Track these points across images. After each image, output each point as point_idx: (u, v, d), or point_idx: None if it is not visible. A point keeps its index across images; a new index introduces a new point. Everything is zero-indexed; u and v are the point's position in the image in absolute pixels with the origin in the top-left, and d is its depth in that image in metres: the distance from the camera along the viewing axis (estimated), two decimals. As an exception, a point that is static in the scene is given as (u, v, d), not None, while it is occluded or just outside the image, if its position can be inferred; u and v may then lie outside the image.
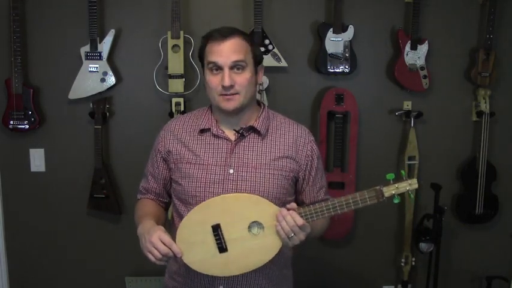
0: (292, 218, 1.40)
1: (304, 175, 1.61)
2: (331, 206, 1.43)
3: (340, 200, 1.43)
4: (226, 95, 1.48)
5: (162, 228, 1.44)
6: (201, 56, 1.55)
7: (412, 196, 1.45)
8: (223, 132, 1.56)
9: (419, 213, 2.83)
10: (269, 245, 1.45)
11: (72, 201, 2.75)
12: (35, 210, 2.76)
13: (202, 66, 1.57)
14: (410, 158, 2.78)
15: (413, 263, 2.87)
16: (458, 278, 3.00)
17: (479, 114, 2.77)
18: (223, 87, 1.46)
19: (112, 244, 2.81)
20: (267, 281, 1.60)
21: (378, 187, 1.42)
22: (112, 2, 2.63)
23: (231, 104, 1.49)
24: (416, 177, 2.77)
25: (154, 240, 1.40)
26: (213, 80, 1.49)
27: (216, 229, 1.44)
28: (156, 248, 1.39)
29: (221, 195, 1.48)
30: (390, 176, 1.43)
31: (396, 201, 1.44)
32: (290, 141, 1.59)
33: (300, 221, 1.40)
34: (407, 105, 2.79)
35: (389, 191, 1.42)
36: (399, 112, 2.78)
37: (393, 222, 2.91)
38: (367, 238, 2.91)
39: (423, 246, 2.66)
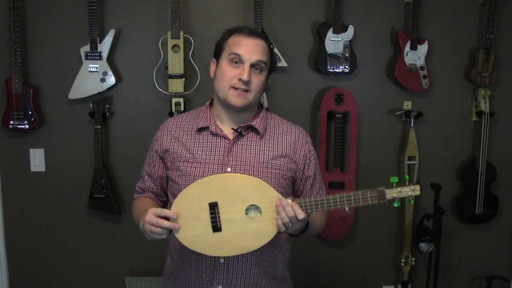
0: (293, 209, 1.39)
1: (302, 175, 1.61)
2: (331, 200, 1.42)
3: (342, 195, 1.42)
4: (238, 89, 1.48)
5: (152, 207, 1.45)
6: (220, 45, 1.55)
7: (412, 202, 1.45)
8: (222, 130, 1.56)
9: (419, 213, 2.83)
10: (264, 231, 1.43)
11: (72, 201, 2.75)
12: (35, 210, 2.76)
13: (216, 56, 1.56)
14: (410, 158, 2.78)
15: (413, 263, 2.87)
16: (458, 278, 3.00)
17: (479, 114, 2.77)
18: (242, 80, 1.47)
19: (112, 244, 2.81)
20: (265, 281, 1.60)
21: (380, 188, 1.42)
22: (112, 2, 2.63)
23: (240, 100, 1.49)
24: (416, 177, 2.79)
25: (149, 218, 1.40)
26: (230, 71, 1.50)
27: (213, 207, 1.42)
28: (153, 225, 1.40)
29: (222, 174, 1.48)
30: (394, 179, 1.43)
31: (396, 205, 1.44)
32: (288, 141, 1.59)
33: (301, 214, 1.39)
34: (407, 105, 2.79)
35: (391, 193, 1.42)
36: (399, 112, 2.78)
37: (393, 222, 2.91)
38: (367, 238, 2.91)
39: (423, 246, 2.66)
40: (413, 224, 2.83)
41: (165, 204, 1.72)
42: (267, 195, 1.43)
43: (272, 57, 1.58)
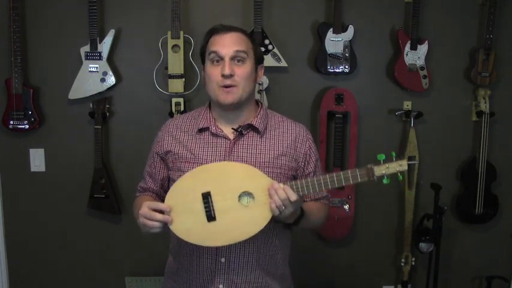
0: (285, 192, 1.39)
1: (303, 172, 1.61)
2: (322, 180, 1.42)
3: (332, 175, 1.42)
4: (225, 87, 1.48)
5: (147, 201, 1.46)
6: (203, 51, 1.56)
7: (401, 177, 1.46)
8: (222, 131, 1.56)
9: (419, 213, 2.83)
10: (258, 217, 1.43)
11: (72, 201, 2.75)
12: (35, 210, 2.76)
13: (203, 62, 1.57)
14: (410, 158, 2.78)
15: (413, 263, 2.87)
16: (458, 278, 3.00)
17: (479, 114, 2.77)
18: (223, 76, 1.47)
19: (112, 244, 2.81)
20: (266, 279, 1.60)
21: (369, 166, 1.43)
22: (112, 2, 2.63)
23: (229, 97, 1.49)
24: (416, 177, 2.79)
25: (143, 211, 1.41)
26: (213, 71, 1.50)
27: (206, 197, 1.42)
28: (147, 218, 1.40)
29: (214, 163, 1.48)
30: (381, 156, 1.44)
31: (386, 181, 1.44)
32: (289, 139, 1.59)
33: (293, 195, 1.38)
34: (407, 105, 2.79)
35: (379, 170, 1.43)
36: (399, 112, 2.78)
37: (393, 222, 2.91)
38: (367, 238, 2.91)
39: (423, 246, 2.66)
40: (413, 224, 2.83)
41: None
42: (258, 181, 1.43)
43: (256, 46, 1.56)
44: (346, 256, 2.92)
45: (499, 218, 2.92)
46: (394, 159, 1.44)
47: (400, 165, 1.43)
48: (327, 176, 1.42)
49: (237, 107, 1.53)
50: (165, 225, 1.42)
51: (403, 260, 2.86)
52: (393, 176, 1.44)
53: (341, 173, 1.42)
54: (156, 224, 1.40)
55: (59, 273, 2.82)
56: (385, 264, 2.96)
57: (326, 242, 2.89)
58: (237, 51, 1.49)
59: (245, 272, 1.56)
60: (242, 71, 1.49)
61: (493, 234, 2.96)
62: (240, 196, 1.43)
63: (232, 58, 1.48)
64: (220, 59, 1.49)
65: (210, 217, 1.42)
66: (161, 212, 1.41)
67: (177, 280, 1.65)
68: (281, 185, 1.40)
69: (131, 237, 2.75)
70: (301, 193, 1.42)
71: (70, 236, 2.79)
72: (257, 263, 1.57)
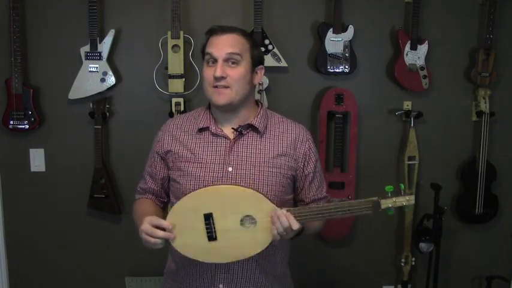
0: (288, 219, 1.40)
1: (303, 173, 1.61)
2: (326, 211, 1.43)
3: (336, 206, 1.43)
4: (217, 87, 1.48)
5: (149, 216, 1.46)
6: (203, 51, 1.56)
7: (407, 210, 1.46)
8: (222, 130, 1.56)
9: (419, 213, 2.82)
10: (259, 240, 1.45)
11: (72, 201, 2.75)
12: (35, 210, 2.76)
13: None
14: (410, 158, 2.78)
15: (413, 263, 2.87)
16: (458, 278, 3.00)
17: (479, 114, 2.77)
18: (215, 77, 1.47)
19: (112, 244, 2.81)
20: (266, 279, 1.60)
21: (375, 198, 1.42)
22: (112, 2, 2.63)
23: (221, 98, 1.49)
24: (416, 177, 2.79)
25: (145, 228, 1.42)
26: (208, 72, 1.51)
27: (208, 218, 1.44)
28: (149, 235, 1.41)
29: (217, 185, 1.48)
30: (389, 188, 1.44)
31: (390, 213, 1.45)
32: (288, 139, 1.59)
33: (296, 225, 1.41)
34: (407, 105, 2.79)
35: (386, 204, 1.43)
36: (399, 112, 2.78)
37: (393, 222, 2.91)
38: (367, 238, 2.91)
39: (423, 246, 2.66)
40: (413, 224, 2.82)
41: (166, 205, 1.72)
42: (261, 205, 1.44)
43: (254, 48, 1.55)
44: (346, 256, 2.92)
45: (499, 218, 2.92)
46: (402, 192, 1.44)
47: (407, 200, 1.43)
48: (332, 205, 1.43)
49: (232, 108, 1.53)
50: (167, 241, 1.44)
51: (403, 260, 2.86)
52: (399, 208, 1.45)
53: (346, 203, 1.43)
54: (158, 241, 1.42)
55: (59, 273, 2.82)
56: (385, 264, 2.96)
57: (326, 242, 2.89)
58: (230, 53, 1.48)
59: (245, 272, 1.56)
60: (235, 73, 1.49)
61: (493, 234, 2.95)
62: (242, 219, 1.44)
63: (226, 60, 1.48)
64: (215, 60, 1.49)
65: (212, 237, 1.44)
66: (163, 228, 1.42)
67: (176, 280, 1.65)
68: (284, 211, 1.41)
69: (131, 237, 2.73)
70: (303, 221, 1.43)
71: (70, 236, 2.79)
72: (257, 263, 1.57)
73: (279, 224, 1.40)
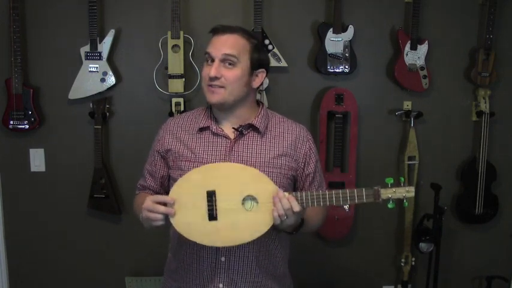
0: (289, 202, 1.40)
1: (303, 173, 1.61)
2: (327, 196, 1.43)
3: (338, 192, 1.43)
4: (212, 86, 1.50)
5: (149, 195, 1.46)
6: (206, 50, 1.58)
7: (407, 204, 1.47)
8: (222, 130, 1.57)
9: (419, 213, 2.83)
10: (259, 222, 1.44)
11: (72, 201, 2.75)
12: (35, 211, 2.76)
13: None
14: (410, 158, 2.78)
15: (413, 263, 2.87)
16: (458, 278, 3.00)
17: (479, 114, 2.77)
18: (209, 77, 1.49)
19: (112, 244, 2.81)
20: (266, 279, 1.60)
21: (376, 187, 1.43)
22: (112, 2, 2.63)
23: (214, 97, 1.51)
24: (416, 177, 2.79)
25: (146, 204, 1.42)
26: (205, 70, 1.52)
27: (211, 195, 1.43)
28: (150, 210, 1.41)
29: (222, 162, 1.49)
30: (389, 180, 1.45)
31: (391, 206, 1.45)
32: (289, 139, 1.59)
33: (297, 207, 1.40)
34: (407, 105, 2.79)
35: (386, 193, 1.44)
36: (399, 112, 2.78)
37: (393, 222, 2.91)
38: (367, 238, 2.91)
39: (423, 246, 2.66)
40: (413, 224, 2.83)
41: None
42: (264, 186, 1.44)
43: (253, 51, 1.53)
44: (346, 256, 2.92)
45: (499, 218, 2.92)
46: (402, 184, 1.45)
47: (407, 191, 1.44)
48: (333, 192, 1.43)
49: (226, 107, 1.54)
50: (167, 218, 1.43)
51: (403, 260, 2.86)
52: (399, 201, 1.45)
53: (347, 190, 1.43)
54: (159, 216, 1.41)
55: (59, 273, 2.82)
56: (385, 264, 2.96)
57: (326, 242, 2.89)
58: (227, 54, 1.48)
59: (245, 272, 1.56)
60: (230, 75, 1.49)
61: (493, 234, 2.95)
62: (244, 199, 1.44)
63: (222, 60, 1.49)
64: (213, 59, 1.50)
65: (212, 216, 1.43)
66: (164, 204, 1.43)
67: (177, 279, 1.65)
68: (286, 194, 1.41)
69: (131, 237, 2.75)
70: (304, 205, 1.43)
71: (70, 236, 2.79)
72: (257, 262, 1.57)
73: (280, 205, 1.40)
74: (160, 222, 1.43)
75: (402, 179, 1.48)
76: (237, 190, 1.43)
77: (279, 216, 1.40)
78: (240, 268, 1.56)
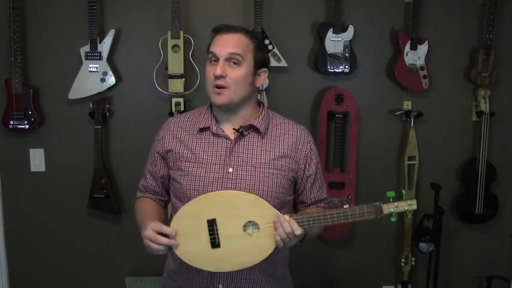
0: (290, 225, 1.40)
1: (303, 174, 1.61)
2: (329, 216, 1.43)
3: (339, 212, 1.43)
4: (216, 87, 1.48)
5: (152, 221, 1.46)
6: (208, 49, 1.56)
7: (410, 216, 1.47)
8: (223, 131, 1.56)
9: (419, 213, 2.82)
10: (262, 246, 1.45)
11: (72, 201, 2.75)
12: (35, 210, 2.76)
13: None
14: (410, 158, 2.78)
15: (413, 263, 2.87)
16: (458, 278, 3.00)
17: (479, 114, 2.77)
18: (214, 76, 1.48)
19: (112, 244, 2.81)
20: (265, 280, 1.60)
21: (377, 203, 1.42)
22: (112, 2, 2.63)
23: (219, 98, 1.49)
24: (416, 177, 2.79)
25: (148, 234, 1.42)
26: (209, 70, 1.51)
27: (212, 224, 1.44)
28: (152, 241, 1.41)
29: (220, 191, 1.48)
30: (391, 194, 1.44)
31: (393, 219, 1.45)
32: (290, 140, 1.59)
33: (298, 230, 1.41)
34: (407, 105, 2.79)
35: (388, 208, 1.43)
36: (399, 112, 2.78)
37: (393, 222, 2.90)
38: (367, 238, 2.91)
39: (423, 246, 2.66)
40: (413, 224, 2.82)
41: (167, 203, 1.72)
42: (264, 211, 1.44)
43: (256, 50, 1.53)
44: (346, 256, 2.92)
45: (499, 218, 2.92)
46: (404, 198, 1.44)
47: (409, 205, 1.43)
48: (334, 212, 1.43)
49: (231, 108, 1.53)
50: (170, 248, 1.44)
51: (403, 260, 2.86)
52: (401, 213, 1.45)
53: (348, 209, 1.43)
54: (161, 247, 1.42)
55: (59, 273, 2.82)
56: (385, 264, 2.96)
57: (326, 243, 2.89)
58: (232, 53, 1.48)
59: (244, 273, 1.56)
60: (235, 74, 1.49)
61: (493, 234, 2.95)
62: (245, 225, 1.44)
63: (227, 59, 1.48)
64: (217, 59, 1.49)
65: (215, 244, 1.44)
66: (166, 235, 1.42)
67: (176, 279, 1.65)
68: (286, 217, 1.42)
69: (131, 237, 2.74)
70: (306, 227, 1.43)
71: (70, 236, 2.79)
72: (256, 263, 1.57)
73: (281, 229, 1.40)
74: (162, 253, 1.44)
75: (404, 191, 1.47)
76: (237, 217, 1.44)
77: (282, 240, 1.41)
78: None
